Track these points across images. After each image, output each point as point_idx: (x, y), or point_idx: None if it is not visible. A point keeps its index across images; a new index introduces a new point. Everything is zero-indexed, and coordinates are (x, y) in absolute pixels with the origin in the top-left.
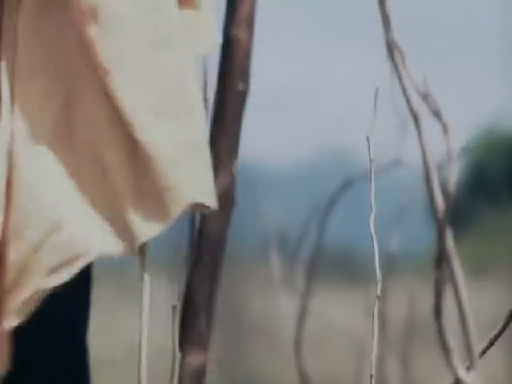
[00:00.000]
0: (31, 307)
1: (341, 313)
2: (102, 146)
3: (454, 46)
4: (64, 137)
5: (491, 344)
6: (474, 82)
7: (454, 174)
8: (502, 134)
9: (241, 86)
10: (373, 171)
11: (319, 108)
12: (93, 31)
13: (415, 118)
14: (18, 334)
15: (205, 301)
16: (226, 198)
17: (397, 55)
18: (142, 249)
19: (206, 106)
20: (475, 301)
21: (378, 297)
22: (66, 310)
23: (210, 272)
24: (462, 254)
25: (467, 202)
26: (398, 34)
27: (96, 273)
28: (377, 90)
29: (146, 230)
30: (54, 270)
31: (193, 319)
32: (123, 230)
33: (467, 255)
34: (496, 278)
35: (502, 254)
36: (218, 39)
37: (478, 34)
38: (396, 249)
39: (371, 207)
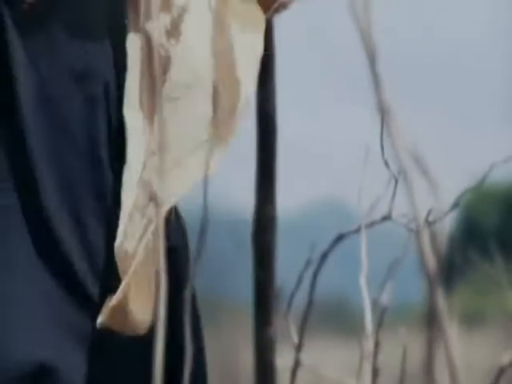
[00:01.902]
0: None
1: (333, 365)
2: None
3: (453, 97)
4: None
5: None
6: (469, 136)
7: (444, 234)
8: (492, 186)
9: None
10: (364, 225)
11: (314, 162)
12: None
13: (404, 178)
14: None
15: None
16: None
17: (387, 116)
18: None
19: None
20: (465, 354)
21: (372, 351)
22: None
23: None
24: (453, 307)
25: (458, 255)
26: (393, 88)
27: None
28: (367, 147)
29: None
30: None
31: None
32: None
33: (457, 308)
34: (487, 331)
35: (493, 307)
36: None
37: (478, 86)
38: (388, 302)
39: (362, 262)
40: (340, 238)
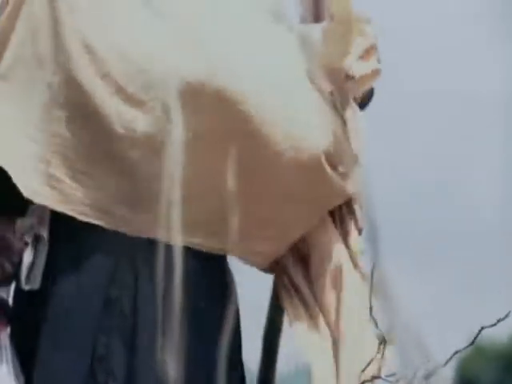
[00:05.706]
0: None
1: None
2: None
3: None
4: None
5: None
6: (468, 293)
7: None
8: (490, 344)
9: None
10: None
11: None
12: None
13: (392, 339)
14: None
15: None
16: None
17: (375, 281)
18: None
19: None
20: None
21: None
22: None
23: None
24: None
25: None
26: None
27: None
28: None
29: None
30: None
31: None
32: None
33: None
34: None
35: None
36: None
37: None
38: None
39: None
40: None
